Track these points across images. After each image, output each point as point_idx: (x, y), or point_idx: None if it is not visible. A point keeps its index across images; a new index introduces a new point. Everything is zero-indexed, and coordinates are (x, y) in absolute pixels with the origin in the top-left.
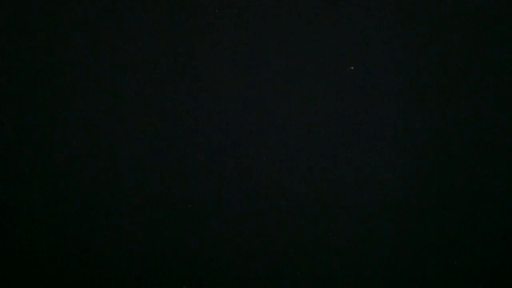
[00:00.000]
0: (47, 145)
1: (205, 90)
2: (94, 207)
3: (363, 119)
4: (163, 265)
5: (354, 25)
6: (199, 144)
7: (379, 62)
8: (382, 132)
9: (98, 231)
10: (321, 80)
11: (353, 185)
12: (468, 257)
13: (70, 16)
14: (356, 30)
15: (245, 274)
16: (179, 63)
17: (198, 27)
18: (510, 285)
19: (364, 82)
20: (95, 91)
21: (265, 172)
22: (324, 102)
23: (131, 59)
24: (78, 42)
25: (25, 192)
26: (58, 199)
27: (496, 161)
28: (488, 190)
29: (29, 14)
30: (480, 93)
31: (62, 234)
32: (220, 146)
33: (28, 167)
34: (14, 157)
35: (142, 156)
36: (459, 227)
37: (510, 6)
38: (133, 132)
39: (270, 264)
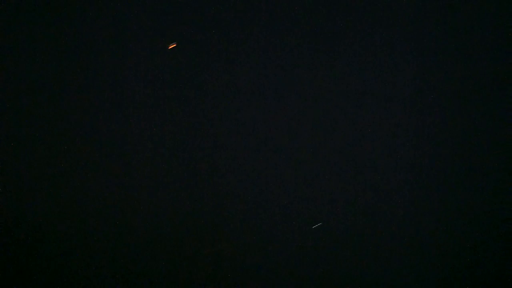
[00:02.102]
0: (49, 146)
1: (209, 91)
2: (96, 207)
3: (367, 123)
4: (164, 266)
5: (359, 26)
6: (203, 146)
7: (382, 66)
8: (386, 135)
9: (99, 232)
10: (327, 84)
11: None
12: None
13: (75, 18)
14: (362, 31)
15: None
16: (184, 69)
17: (201, 30)
18: (510, 285)
19: (367, 87)
20: (98, 93)
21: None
22: (326, 104)
23: (135, 63)
24: (82, 44)
25: (27, 193)
26: (61, 200)
27: (497, 162)
28: (489, 191)
29: (34, 17)
30: (482, 95)
31: (63, 234)
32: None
33: (30, 168)
34: (19, 159)
35: (144, 157)
36: (464, 228)
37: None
38: (135, 134)
39: (271, 265)
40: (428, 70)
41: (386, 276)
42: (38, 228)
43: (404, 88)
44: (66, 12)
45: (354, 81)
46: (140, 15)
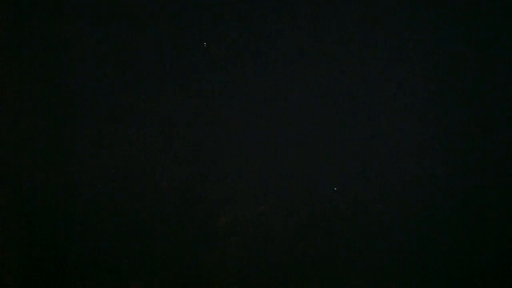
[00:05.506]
0: (51, 146)
1: (210, 90)
2: (96, 208)
3: (368, 122)
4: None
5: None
6: (204, 147)
7: (385, 64)
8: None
9: (99, 233)
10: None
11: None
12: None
13: (76, 18)
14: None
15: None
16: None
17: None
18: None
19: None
20: (96, 93)
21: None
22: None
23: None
24: (83, 44)
25: (28, 192)
26: (61, 199)
27: (499, 162)
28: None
29: (36, 17)
30: (487, 95)
31: (63, 234)
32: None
33: (31, 168)
34: (21, 159)
35: (145, 157)
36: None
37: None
38: (135, 134)
39: (272, 265)
40: (436, 71)
41: (386, 276)
42: (36, 227)
43: (411, 88)
44: (63, 10)
45: (359, 81)
46: (139, 14)
